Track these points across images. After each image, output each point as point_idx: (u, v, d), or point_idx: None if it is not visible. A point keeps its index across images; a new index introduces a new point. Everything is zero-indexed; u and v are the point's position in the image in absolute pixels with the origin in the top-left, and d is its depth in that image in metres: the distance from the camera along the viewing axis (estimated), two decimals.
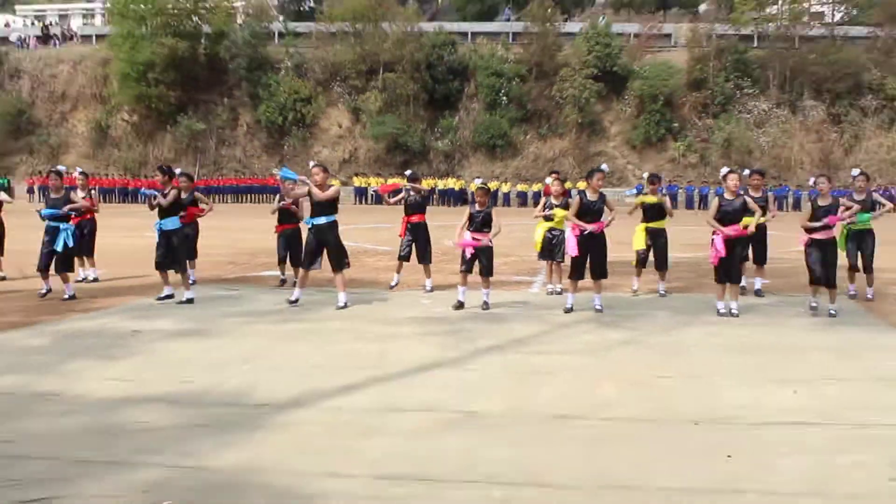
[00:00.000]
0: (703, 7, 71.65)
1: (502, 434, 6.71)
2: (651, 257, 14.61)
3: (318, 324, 11.67)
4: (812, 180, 13.17)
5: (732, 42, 59.97)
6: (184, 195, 14.21)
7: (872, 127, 58.94)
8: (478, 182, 14.09)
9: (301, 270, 13.53)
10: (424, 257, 14.91)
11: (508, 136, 59.16)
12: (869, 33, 61.19)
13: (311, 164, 14.25)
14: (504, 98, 59.75)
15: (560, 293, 14.32)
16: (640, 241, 14.59)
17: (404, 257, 15.04)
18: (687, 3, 78.03)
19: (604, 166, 13.80)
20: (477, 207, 13.24)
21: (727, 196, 12.72)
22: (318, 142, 61.55)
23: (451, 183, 55.64)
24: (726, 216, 12.55)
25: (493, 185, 52.90)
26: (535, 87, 60.49)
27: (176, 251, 13.70)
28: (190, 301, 13.27)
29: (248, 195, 57.56)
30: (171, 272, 13.80)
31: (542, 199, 14.95)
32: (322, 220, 12.97)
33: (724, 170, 12.99)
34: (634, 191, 52.79)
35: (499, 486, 5.59)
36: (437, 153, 59.64)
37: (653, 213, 14.50)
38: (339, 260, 13.24)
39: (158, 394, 7.91)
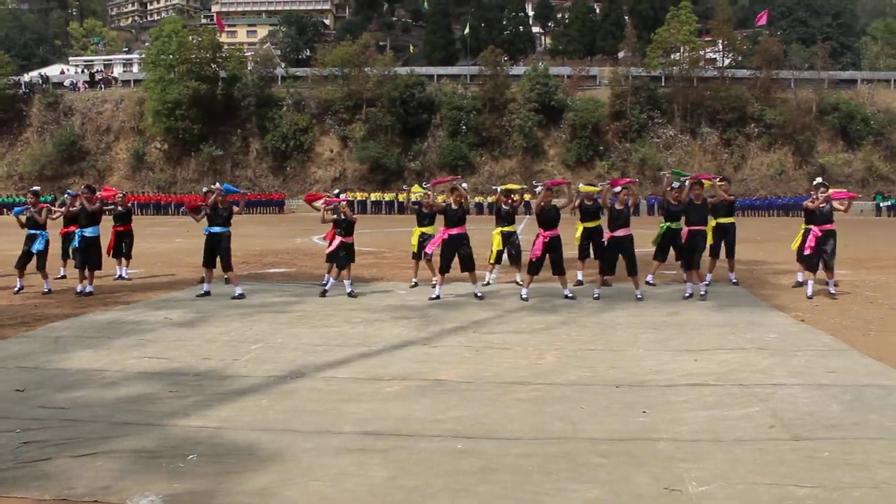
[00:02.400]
0: (621, 54, 72.06)
1: (463, 397, 6.70)
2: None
3: (313, 310, 11.60)
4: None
5: (645, 81, 60.59)
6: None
7: (756, 149, 59.74)
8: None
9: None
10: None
11: (468, 157, 59.37)
12: (751, 75, 61.92)
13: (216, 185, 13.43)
14: (464, 127, 59.89)
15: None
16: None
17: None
18: (609, 51, 78.47)
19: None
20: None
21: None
22: (313, 164, 61.42)
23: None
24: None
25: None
26: (489, 118, 60.70)
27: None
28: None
29: (257, 207, 57.17)
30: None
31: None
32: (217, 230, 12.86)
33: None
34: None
35: (460, 439, 5.58)
36: (411, 172, 59.56)
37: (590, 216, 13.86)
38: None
39: (185, 369, 7.85)
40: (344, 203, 13.46)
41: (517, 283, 14.09)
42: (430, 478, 4.87)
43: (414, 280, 14.30)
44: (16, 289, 13.67)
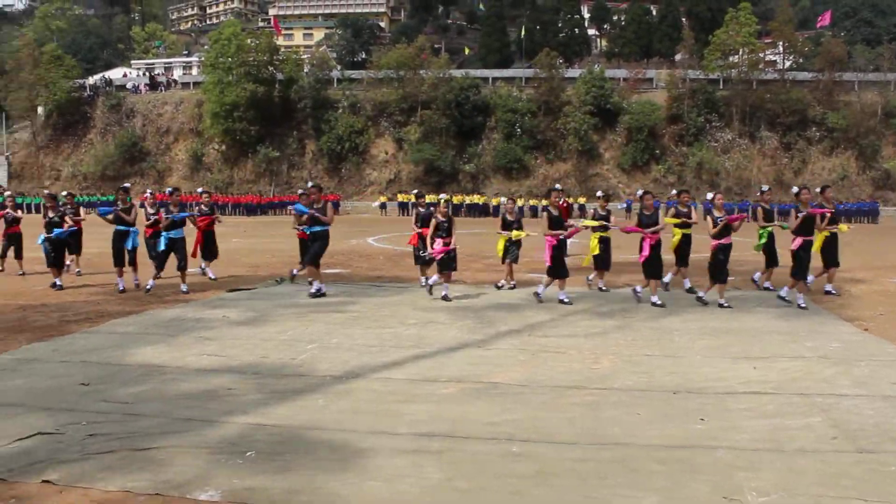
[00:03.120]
0: (678, 56, 71.13)
1: (518, 401, 6.69)
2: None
3: (368, 311, 11.67)
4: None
5: (703, 84, 59.64)
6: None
7: (817, 153, 58.43)
8: (442, 197, 14.02)
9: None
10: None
11: (522, 160, 59.06)
12: (813, 77, 60.62)
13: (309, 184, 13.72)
14: (518, 130, 59.63)
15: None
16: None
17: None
18: (665, 53, 77.49)
19: (557, 185, 13.78)
20: (440, 217, 12.98)
21: (645, 212, 12.71)
22: (368, 165, 61.69)
23: (476, 198, 55.73)
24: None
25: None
26: (544, 121, 60.36)
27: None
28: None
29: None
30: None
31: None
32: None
33: (640, 191, 13.17)
34: (625, 205, 52.58)
35: (516, 442, 5.57)
36: (465, 174, 59.59)
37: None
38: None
39: (242, 366, 7.97)
40: (443, 200, 13.95)
41: (594, 285, 14.14)
42: (485, 480, 4.87)
43: (509, 282, 14.30)
44: (120, 287, 13.92)
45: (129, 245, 14.05)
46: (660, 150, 58.57)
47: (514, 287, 14.17)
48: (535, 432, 5.80)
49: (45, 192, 18.70)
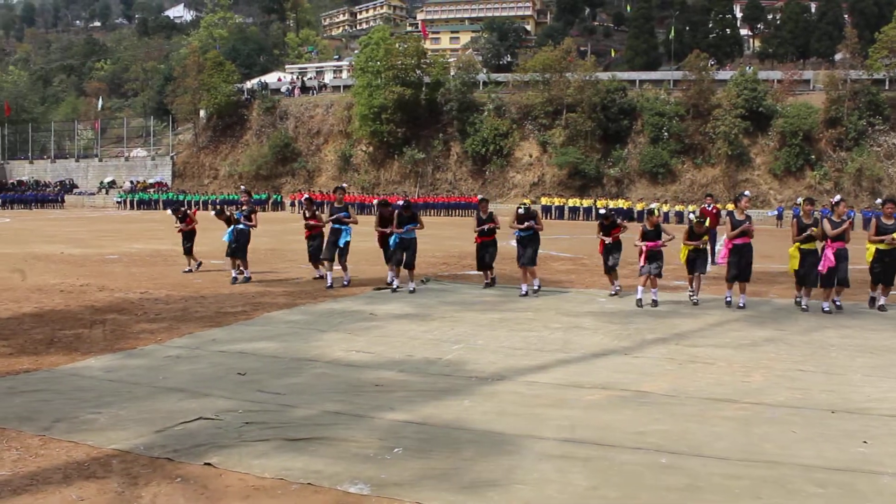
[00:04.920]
0: (838, 55, 67.57)
1: (666, 411, 6.54)
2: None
3: (513, 314, 11.70)
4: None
5: (865, 85, 56.23)
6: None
7: None
8: (654, 206, 13.88)
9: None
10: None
11: (669, 165, 57.59)
12: None
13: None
14: (665, 133, 58.21)
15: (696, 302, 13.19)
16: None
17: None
18: (824, 52, 73.91)
19: (747, 192, 13.30)
20: (648, 227, 13.10)
21: (834, 218, 12.60)
22: (512, 168, 61.74)
23: (621, 203, 54.72)
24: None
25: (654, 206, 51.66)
26: (692, 124, 58.62)
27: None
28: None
29: (456, 210, 58.22)
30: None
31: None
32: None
33: (837, 197, 12.97)
34: (776, 212, 50.45)
35: (664, 454, 5.45)
36: (610, 178, 58.68)
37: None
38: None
39: (390, 363, 8.17)
40: (655, 208, 14.27)
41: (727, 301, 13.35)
42: (633, 490, 4.79)
43: (691, 291, 13.52)
44: (340, 281, 14.92)
45: (341, 242, 14.73)
46: (815, 155, 55.72)
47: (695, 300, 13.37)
48: (684, 444, 5.65)
49: (242, 188, 19.77)
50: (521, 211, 14.26)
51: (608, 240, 13.76)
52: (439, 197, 60.48)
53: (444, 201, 59.55)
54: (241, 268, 15.26)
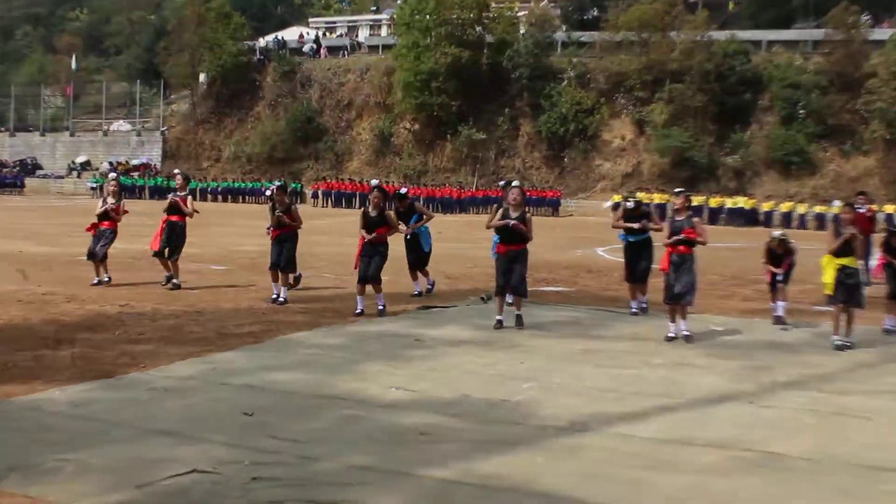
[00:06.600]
0: None
1: (807, 480, 6.35)
2: None
3: (601, 343, 11.56)
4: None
5: None
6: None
7: None
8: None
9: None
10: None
11: (806, 152, 56.69)
12: None
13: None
14: (802, 111, 57.42)
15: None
16: None
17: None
18: None
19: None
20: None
21: None
22: (599, 154, 61.43)
23: (741, 202, 53.78)
24: None
25: (785, 205, 50.90)
26: (838, 99, 57.70)
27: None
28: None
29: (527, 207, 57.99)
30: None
31: None
32: None
33: None
34: None
35: None
36: (727, 169, 58.03)
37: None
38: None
39: (440, 404, 8.12)
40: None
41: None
42: None
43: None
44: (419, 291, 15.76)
45: (425, 247, 15.53)
46: None
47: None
48: None
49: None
50: (629, 204, 13.92)
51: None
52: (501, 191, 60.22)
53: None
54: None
